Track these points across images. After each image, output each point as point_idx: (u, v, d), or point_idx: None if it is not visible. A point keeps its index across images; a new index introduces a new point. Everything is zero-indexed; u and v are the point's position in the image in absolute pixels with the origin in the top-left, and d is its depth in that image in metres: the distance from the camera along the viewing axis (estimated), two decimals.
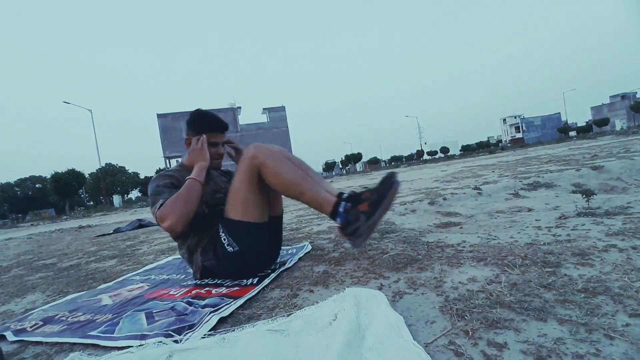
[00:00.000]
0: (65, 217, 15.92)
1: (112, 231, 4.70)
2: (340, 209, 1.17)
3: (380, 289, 1.01)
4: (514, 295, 0.82)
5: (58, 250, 3.43)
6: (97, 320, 1.09)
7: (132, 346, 0.85)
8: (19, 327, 1.13)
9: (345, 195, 1.25)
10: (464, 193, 2.91)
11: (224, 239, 1.25)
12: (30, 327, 1.13)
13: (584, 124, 58.12)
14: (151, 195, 1.29)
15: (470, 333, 0.68)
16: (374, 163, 56.06)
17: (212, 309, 0.99)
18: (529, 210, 2.26)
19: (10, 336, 1.07)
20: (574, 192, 2.67)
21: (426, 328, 0.74)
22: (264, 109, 30.55)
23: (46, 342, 0.99)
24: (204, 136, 1.41)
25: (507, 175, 3.99)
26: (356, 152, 51.67)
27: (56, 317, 1.19)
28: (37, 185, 52.42)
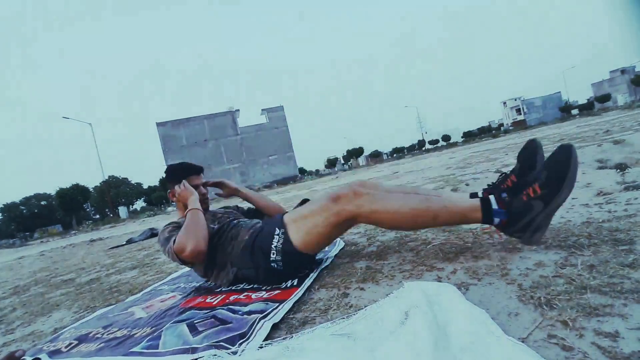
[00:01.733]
0: (73, 231, 15.97)
1: (125, 242, 4.65)
2: (494, 207, 0.95)
3: (438, 281, 0.93)
4: (598, 279, 0.74)
5: (74, 265, 3.39)
6: (136, 335, 1.03)
7: None
8: (52, 349, 1.07)
9: (480, 194, 1.10)
10: (486, 177, 2.83)
11: (274, 253, 1.17)
12: (65, 347, 1.07)
13: (585, 101, 57.57)
14: (163, 243, 1.33)
15: (570, 323, 0.61)
16: (376, 156, 55.87)
17: (260, 316, 0.92)
18: None
19: (45, 359, 1.01)
20: (600, 167, 2.58)
21: (512, 321, 0.67)
22: (262, 109, 30.44)
23: None
24: (184, 181, 1.45)
25: None
26: (357, 147, 51.49)
27: (90, 334, 1.13)
28: (42, 203, 52.66)
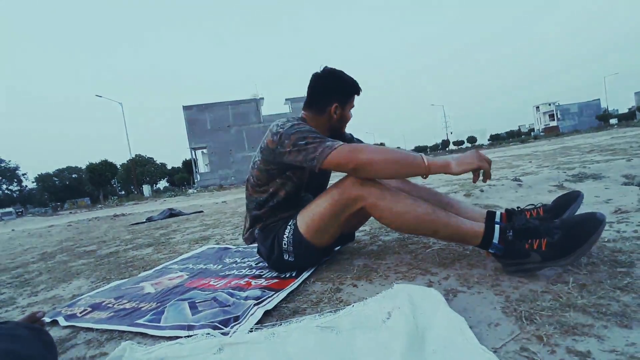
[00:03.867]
0: (100, 205, 16.79)
1: (145, 220, 4.87)
2: (494, 241, 0.93)
3: (429, 285, 0.96)
4: (586, 298, 0.75)
5: (97, 238, 3.59)
6: (143, 309, 1.11)
7: (180, 337, 0.85)
8: (69, 313, 1.17)
9: (498, 216, 1.06)
10: (502, 184, 2.77)
11: (285, 245, 1.19)
12: (80, 312, 1.16)
13: (627, 110, 54.28)
14: (300, 132, 1.06)
15: (545, 339, 0.62)
16: None
17: (256, 302, 0.97)
18: None
19: (62, 321, 1.11)
20: (625, 184, 2.48)
21: (490, 331, 0.69)
22: (286, 99, 30.56)
23: (96, 329, 1.01)
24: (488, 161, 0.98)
25: (547, 166, 3.78)
26: (379, 142, 51.03)
27: (103, 303, 1.23)
28: (73, 176, 55.39)
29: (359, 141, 1.48)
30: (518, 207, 1.23)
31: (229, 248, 1.92)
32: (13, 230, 7.35)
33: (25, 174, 53.32)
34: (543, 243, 0.87)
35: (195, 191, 19.55)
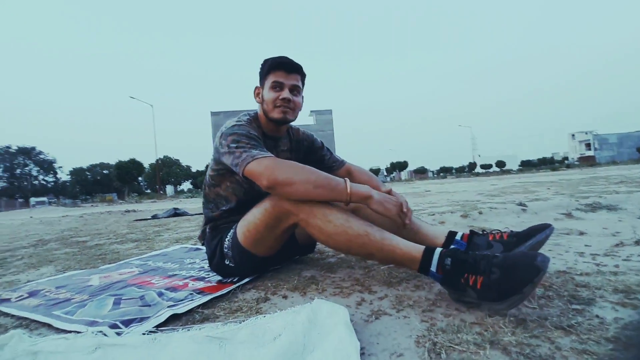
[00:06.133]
0: (121, 201, 17.40)
1: (150, 217, 4.95)
2: (432, 269, 0.83)
3: (359, 304, 0.86)
4: (517, 335, 0.63)
5: (95, 230, 3.67)
6: (73, 300, 1.07)
7: (78, 331, 0.79)
8: (4, 297, 1.15)
9: (459, 235, 1.06)
10: (505, 208, 2.58)
11: (226, 249, 1.13)
12: (15, 298, 1.14)
13: None
14: (236, 134, 1.03)
15: None
16: (422, 172, 54.11)
17: (172, 304, 0.91)
18: (581, 233, 1.91)
19: None
20: None
21: None
22: (311, 111, 30.90)
23: (13, 315, 0.98)
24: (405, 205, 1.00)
25: (563, 194, 3.52)
26: (402, 160, 50.32)
27: (42, 291, 1.20)
28: (104, 171, 58.12)
29: (330, 152, 1.40)
30: (483, 231, 1.12)
31: (201, 249, 1.87)
32: (31, 217, 7.72)
33: (60, 167, 56.62)
34: (479, 281, 0.75)
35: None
